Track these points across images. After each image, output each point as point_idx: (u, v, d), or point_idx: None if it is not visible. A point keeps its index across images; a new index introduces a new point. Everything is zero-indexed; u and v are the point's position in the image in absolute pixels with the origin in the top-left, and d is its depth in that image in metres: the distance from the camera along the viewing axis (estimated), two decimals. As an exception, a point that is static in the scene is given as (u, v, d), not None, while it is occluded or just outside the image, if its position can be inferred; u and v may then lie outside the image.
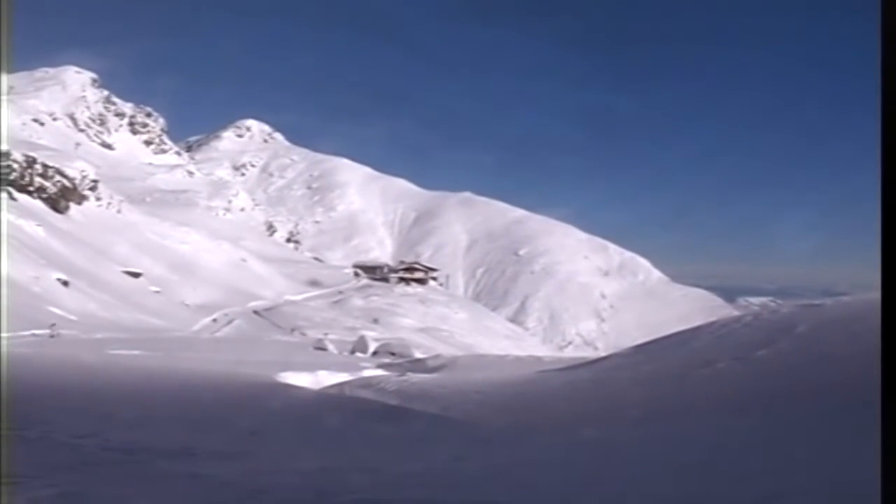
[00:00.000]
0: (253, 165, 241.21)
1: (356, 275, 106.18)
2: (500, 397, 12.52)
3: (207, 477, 5.42)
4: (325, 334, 49.68)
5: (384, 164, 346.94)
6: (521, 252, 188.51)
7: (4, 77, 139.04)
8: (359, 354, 37.08)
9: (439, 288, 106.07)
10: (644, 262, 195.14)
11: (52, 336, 31.24)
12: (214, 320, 62.34)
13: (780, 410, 7.48)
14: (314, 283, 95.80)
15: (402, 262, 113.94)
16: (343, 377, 19.15)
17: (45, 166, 78.80)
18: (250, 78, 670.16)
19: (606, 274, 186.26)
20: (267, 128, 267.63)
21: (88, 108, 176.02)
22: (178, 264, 79.67)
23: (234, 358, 25.94)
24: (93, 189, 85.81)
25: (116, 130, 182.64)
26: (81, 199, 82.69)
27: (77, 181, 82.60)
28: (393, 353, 35.60)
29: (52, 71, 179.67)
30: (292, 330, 58.32)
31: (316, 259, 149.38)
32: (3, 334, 25.47)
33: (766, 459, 5.20)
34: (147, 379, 15.95)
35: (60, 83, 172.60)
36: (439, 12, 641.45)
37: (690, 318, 78.65)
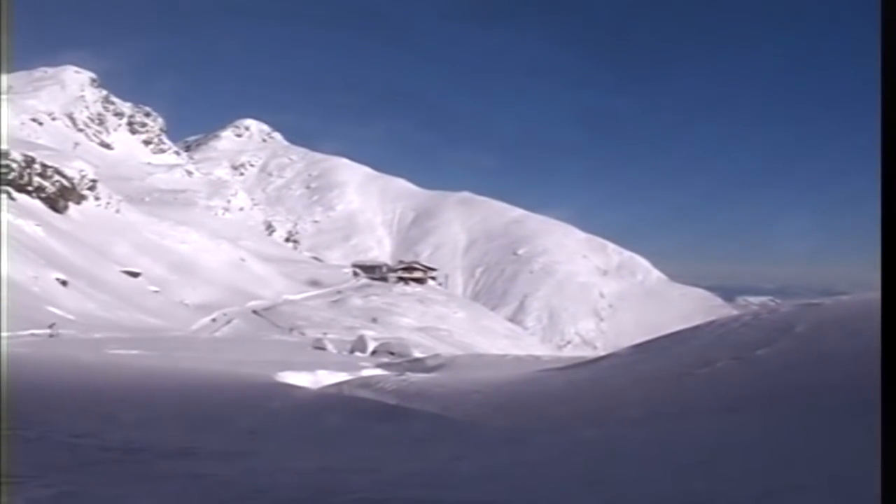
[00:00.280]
0: (252, 165, 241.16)
1: (355, 274, 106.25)
2: (500, 397, 12.50)
3: (207, 477, 5.42)
4: (324, 334, 49.57)
5: (383, 163, 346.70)
6: (520, 252, 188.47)
7: (4, 77, 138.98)
8: (358, 354, 37.06)
9: (438, 287, 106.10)
10: (643, 262, 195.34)
11: (51, 336, 31.14)
12: (213, 320, 62.35)
13: (780, 410, 7.48)
14: (313, 283, 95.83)
15: (400, 262, 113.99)
16: (342, 377, 19.13)
17: (44, 166, 78.72)
18: (249, 78, 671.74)
19: (605, 273, 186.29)
20: (266, 127, 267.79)
21: (87, 107, 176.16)
22: (177, 264, 79.64)
23: (234, 357, 25.92)
24: (92, 189, 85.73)
25: (115, 130, 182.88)
26: (80, 198, 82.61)
27: (76, 181, 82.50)
28: (392, 353, 35.58)
29: (50, 71, 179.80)
30: (291, 329, 58.28)
31: (315, 259, 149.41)
32: (3, 334, 25.45)
33: (766, 459, 5.20)
34: (146, 379, 15.92)
35: (59, 83, 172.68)
36: (439, 12, 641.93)
37: (690, 317, 78.52)
